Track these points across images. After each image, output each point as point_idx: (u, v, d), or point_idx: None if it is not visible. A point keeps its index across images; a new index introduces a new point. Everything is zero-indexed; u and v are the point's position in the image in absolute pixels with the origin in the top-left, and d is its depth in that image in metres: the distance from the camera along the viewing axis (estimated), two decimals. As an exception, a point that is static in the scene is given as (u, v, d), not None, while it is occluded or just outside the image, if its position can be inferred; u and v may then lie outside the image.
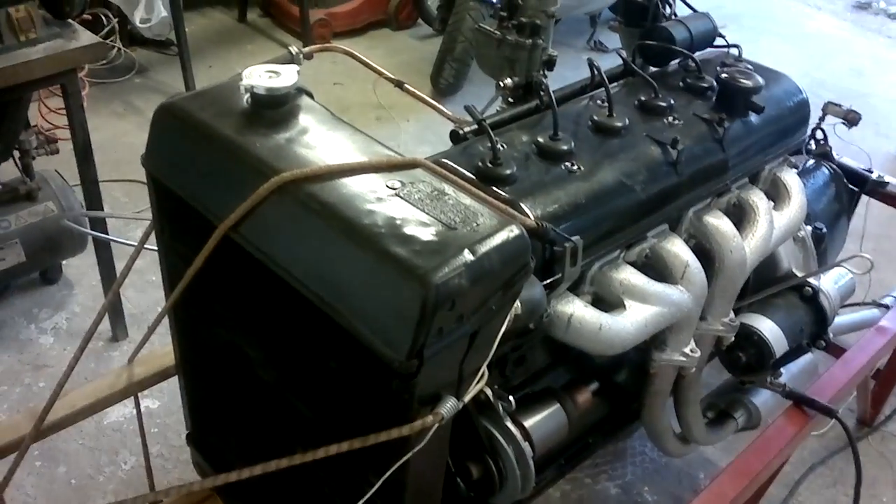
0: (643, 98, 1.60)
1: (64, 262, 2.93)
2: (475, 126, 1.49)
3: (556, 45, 1.73)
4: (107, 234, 2.61)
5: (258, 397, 1.30)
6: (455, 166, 1.34)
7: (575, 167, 1.38)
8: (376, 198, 1.02)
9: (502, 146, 1.41)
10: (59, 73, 2.12)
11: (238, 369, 1.30)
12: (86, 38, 2.16)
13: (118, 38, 4.18)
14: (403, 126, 3.94)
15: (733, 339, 1.75)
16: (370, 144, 1.14)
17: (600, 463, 2.47)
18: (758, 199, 1.68)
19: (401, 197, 1.02)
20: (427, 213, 1.00)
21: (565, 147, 1.41)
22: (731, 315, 1.67)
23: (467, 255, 0.94)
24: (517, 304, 1.07)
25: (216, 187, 1.12)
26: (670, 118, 1.57)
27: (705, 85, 1.68)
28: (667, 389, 1.66)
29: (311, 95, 1.25)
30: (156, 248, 1.44)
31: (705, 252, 1.60)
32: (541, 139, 1.41)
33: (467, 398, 1.02)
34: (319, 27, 4.61)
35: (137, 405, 1.61)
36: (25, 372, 2.57)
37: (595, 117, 1.51)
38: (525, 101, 1.70)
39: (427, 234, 0.96)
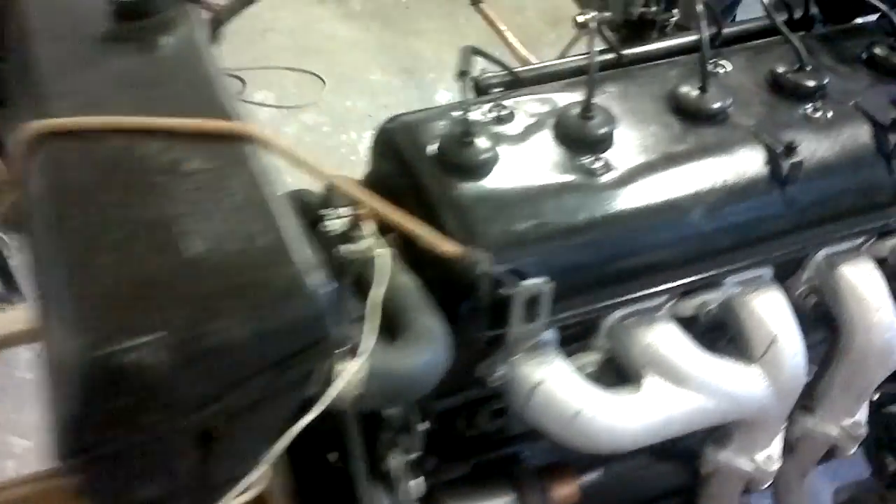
0: (780, 69, 1.04)
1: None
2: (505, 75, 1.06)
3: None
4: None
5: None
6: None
7: (601, 166, 0.90)
8: (132, 183, 0.66)
9: (508, 115, 0.96)
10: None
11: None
12: None
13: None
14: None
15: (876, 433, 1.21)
16: (216, 96, 0.77)
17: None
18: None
19: (169, 191, 0.65)
20: (189, 226, 0.62)
21: (598, 132, 0.92)
22: (859, 417, 1.11)
23: (181, 319, 0.56)
24: (350, 378, 0.68)
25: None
26: (814, 106, 1.00)
27: (901, 61, 1.07)
28: (732, 497, 1.15)
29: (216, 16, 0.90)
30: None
31: (830, 318, 1.06)
32: (568, 114, 0.94)
33: (210, 518, 0.66)
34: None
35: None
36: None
37: (682, 90, 0.99)
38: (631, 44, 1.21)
39: (146, 268, 0.59)
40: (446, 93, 3.20)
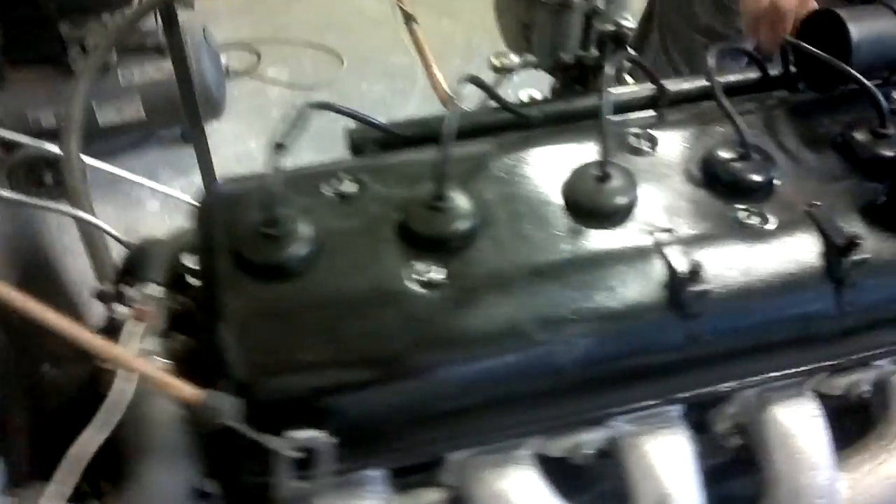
0: (718, 154, 0.81)
1: (209, 126, 2.73)
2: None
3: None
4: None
5: None
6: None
7: (445, 276, 0.71)
8: None
9: (356, 193, 0.77)
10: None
11: None
12: None
13: None
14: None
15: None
16: None
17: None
18: (924, 399, 0.84)
19: None
20: None
21: (448, 229, 0.73)
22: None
23: None
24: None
25: None
26: (752, 209, 0.78)
27: (885, 153, 0.83)
28: None
29: None
30: None
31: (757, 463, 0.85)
32: (416, 201, 0.75)
33: None
34: None
35: None
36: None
37: (580, 174, 0.78)
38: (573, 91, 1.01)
39: None
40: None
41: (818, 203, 0.79)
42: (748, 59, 0.94)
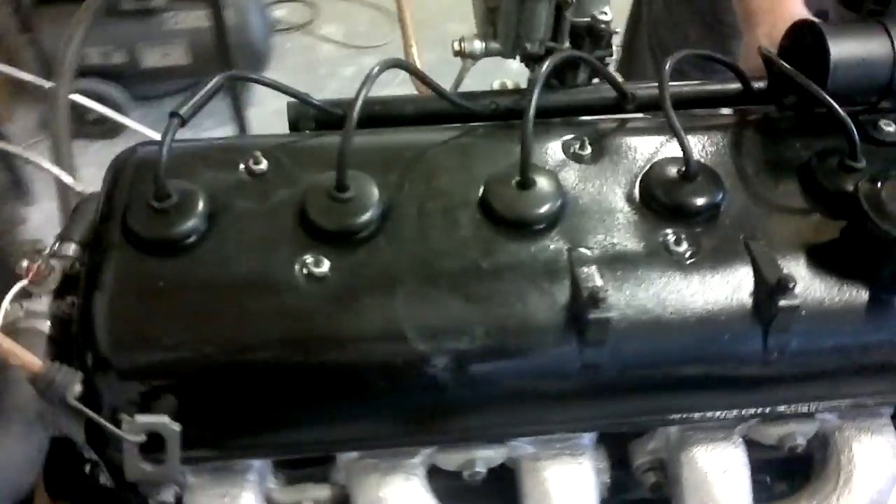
0: (659, 171, 0.75)
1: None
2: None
3: None
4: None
5: None
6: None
7: (330, 267, 0.67)
8: None
9: (266, 171, 0.74)
10: None
11: None
12: None
13: None
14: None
15: None
16: None
17: None
18: (863, 454, 0.78)
19: None
20: None
21: (349, 221, 0.69)
22: None
23: None
24: None
25: None
26: (682, 235, 0.71)
27: (850, 189, 0.74)
28: None
29: None
30: None
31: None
32: (318, 188, 0.71)
33: None
34: None
35: None
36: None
37: (500, 177, 0.73)
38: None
39: None
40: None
41: (760, 236, 0.72)
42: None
